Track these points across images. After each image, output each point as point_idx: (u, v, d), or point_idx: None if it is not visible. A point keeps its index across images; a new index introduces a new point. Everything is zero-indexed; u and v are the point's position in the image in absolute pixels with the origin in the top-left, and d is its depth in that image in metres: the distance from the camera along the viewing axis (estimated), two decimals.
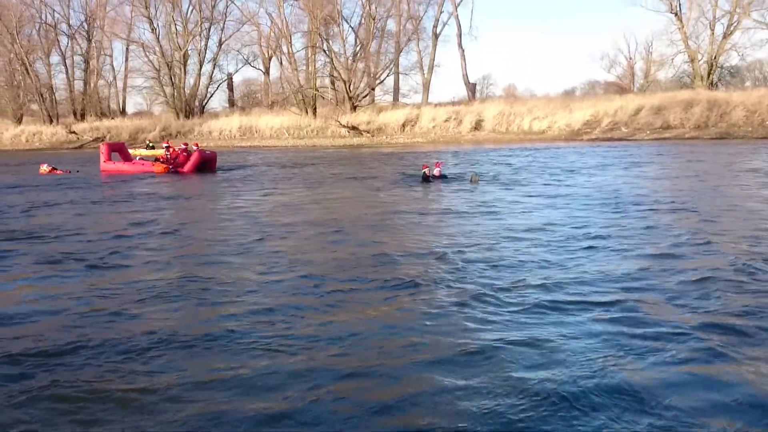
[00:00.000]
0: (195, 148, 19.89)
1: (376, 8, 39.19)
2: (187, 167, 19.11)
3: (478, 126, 35.23)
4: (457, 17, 48.24)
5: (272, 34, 42.51)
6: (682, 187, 12.10)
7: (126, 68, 50.52)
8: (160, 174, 18.88)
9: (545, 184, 13.20)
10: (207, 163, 19.58)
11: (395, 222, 8.91)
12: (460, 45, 48.92)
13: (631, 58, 53.24)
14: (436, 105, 39.93)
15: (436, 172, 14.10)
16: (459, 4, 47.99)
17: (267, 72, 54.58)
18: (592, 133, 31.64)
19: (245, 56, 52.41)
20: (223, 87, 53.26)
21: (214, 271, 6.07)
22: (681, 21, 41.04)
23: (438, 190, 12.81)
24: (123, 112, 51.97)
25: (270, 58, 54.15)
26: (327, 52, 39.53)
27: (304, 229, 8.48)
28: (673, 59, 44.21)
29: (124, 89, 52.88)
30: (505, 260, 6.25)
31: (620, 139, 29.49)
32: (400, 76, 46.91)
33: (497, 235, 7.59)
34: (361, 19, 41.95)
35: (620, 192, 11.55)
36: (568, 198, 10.95)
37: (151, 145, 34.48)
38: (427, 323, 4.45)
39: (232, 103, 55.32)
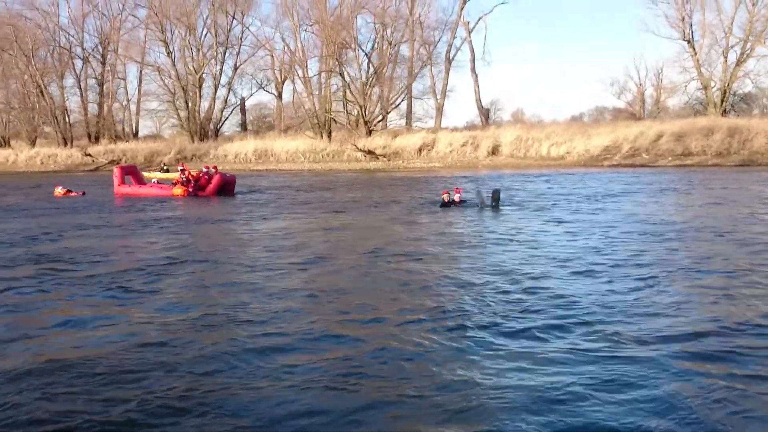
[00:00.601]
0: (214, 171, 19.88)
1: (392, 33, 39.33)
2: (209, 190, 19.06)
3: (495, 151, 35.01)
4: (470, 43, 48.54)
5: (287, 58, 42.67)
6: (717, 214, 11.86)
7: (139, 91, 50.89)
8: (180, 197, 18.74)
9: (574, 211, 12.97)
10: (227, 186, 19.54)
11: (418, 249, 8.72)
12: (473, 70, 49.12)
13: (641, 85, 53.43)
14: (452, 130, 39.78)
15: (456, 197, 14.03)
16: (472, 30, 48.44)
17: (280, 96, 54.89)
18: (613, 159, 31.36)
19: (259, 80, 52.79)
20: (236, 110, 53.65)
21: (241, 297, 6.12)
22: (693, 48, 41.07)
23: (459, 216, 12.58)
24: (135, 135, 52.15)
25: (283, 82, 54.49)
26: (343, 76, 39.56)
27: (328, 256, 8.34)
28: (686, 86, 44.22)
29: (137, 112, 53.19)
30: (541, 293, 6.00)
31: (642, 166, 29.19)
32: (413, 101, 47.16)
33: (529, 265, 7.37)
34: (374, 44, 42.28)
35: (655, 219, 11.32)
36: (602, 225, 10.71)
37: (165, 168, 34.40)
38: (452, 355, 4.38)
39: (244, 126, 55.50)
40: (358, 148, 36.47)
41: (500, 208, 13.42)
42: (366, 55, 41.13)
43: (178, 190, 19.11)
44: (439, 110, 48.83)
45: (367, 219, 12.55)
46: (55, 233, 10.98)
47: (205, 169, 19.97)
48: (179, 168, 21.94)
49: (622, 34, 77.48)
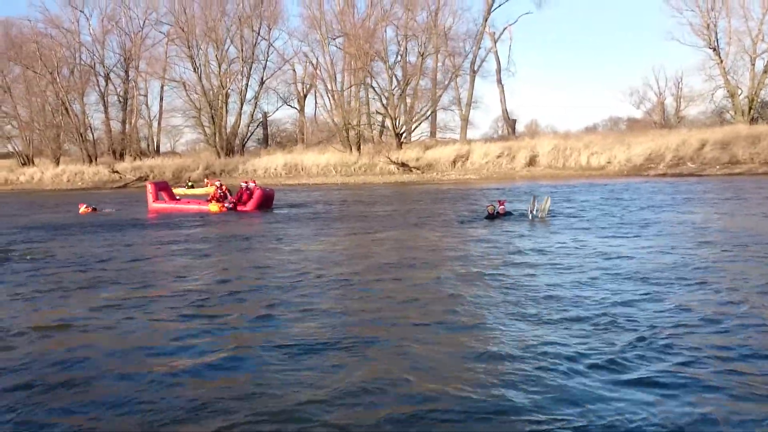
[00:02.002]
0: (253, 185, 19.71)
1: (424, 45, 38.93)
2: (250, 205, 18.84)
3: (532, 162, 34.37)
4: (496, 53, 48.11)
5: (318, 72, 42.31)
6: None
7: (161, 107, 50.67)
8: (217, 213, 18.40)
9: (630, 222, 12.47)
10: (267, 201, 19.41)
11: (468, 264, 8.43)
12: (499, 81, 48.66)
13: (661, 94, 52.89)
14: (486, 141, 39.19)
15: (500, 209, 13.77)
16: (498, 40, 48.01)
17: (302, 110, 54.61)
18: (657, 168, 30.61)
19: (282, 95, 52.54)
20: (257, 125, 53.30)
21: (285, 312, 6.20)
22: (719, 56, 40.49)
23: (509, 228, 12.16)
24: (157, 151, 51.84)
25: (305, 96, 54.23)
26: (374, 89, 39.17)
27: (376, 271, 8.14)
28: (713, 94, 43.59)
29: (159, 128, 52.92)
30: (612, 316, 5.65)
31: (690, 175, 28.42)
32: (438, 112, 46.63)
33: (596, 280, 7.03)
34: (397, 56, 41.91)
35: (722, 228, 10.91)
36: (668, 237, 10.25)
37: (191, 184, 34.00)
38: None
39: (266, 141, 55.13)
40: (391, 161, 35.90)
41: (547, 218, 13.25)
42: (389, 67, 40.73)
43: (214, 207, 18.87)
44: (465, 121, 48.41)
45: (415, 234, 12.07)
46: (120, 254, 10.59)
47: (244, 184, 19.80)
48: (215, 183, 21.92)
49: (638, 44, 77.08)
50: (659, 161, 31.24)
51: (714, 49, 40.73)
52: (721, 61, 40.39)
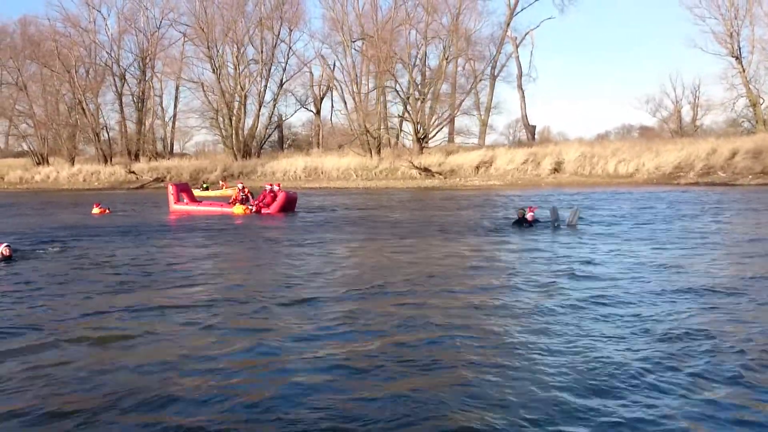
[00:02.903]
0: (277, 188, 19.69)
1: (449, 48, 38.51)
2: (274, 208, 18.81)
3: (558, 168, 33.87)
4: (517, 58, 47.71)
5: (340, 74, 41.92)
6: None
7: (175, 107, 50.38)
8: (241, 216, 18.27)
9: (685, 231, 12.06)
10: (290, 204, 19.38)
11: (505, 274, 8.09)
12: (520, 87, 48.25)
13: (678, 102, 52.44)
14: (510, 147, 38.71)
15: (529, 216, 13.38)
16: (519, 45, 47.60)
17: (318, 113, 54.27)
18: (686, 177, 30.08)
19: (299, 98, 52.24)
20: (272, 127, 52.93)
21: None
22: (741, 64, 40.02)
23: (539, 236, 11.79)
24: (171, 152, 51.51)
25: (321, 99, 53.91)
26: (398, 92, 38.75)
27: (413, 281, 7.68)
28: (734, 103, 43.11)
29: (173, 129, 52.61)
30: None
31: (723, 184, 27.88)
32: (456, 117, 46.15)
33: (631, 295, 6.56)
34: (416, 59, 41.50)
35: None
36: (718, 246, 9.85)
37: (206, 186, 33.70)
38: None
39: (281, 143, 54.77)
40: (414, 166, 35.44)
41: (578, 227, 12.94)
42: (412, 70, 40.33)
43: (239, 209, 18.80)
44: (485, 126, 47.97)
45: (436, 241, 11.65)
46: (150, 257, 10.24)
47: (268, 187, 19.79)
48: (238, 186, 21.94)
49: (652, 52, 76.53)
50: (688, 170, 30.70)
51: (736, 58, 40.33)
52: (744, 70, 40.03)
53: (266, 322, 5.92)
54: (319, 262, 9.36)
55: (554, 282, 7.37)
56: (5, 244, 9.76)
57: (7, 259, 9.52)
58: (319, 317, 6.01)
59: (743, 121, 43.36)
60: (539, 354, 4.77)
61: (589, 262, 8.73)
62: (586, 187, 28.57)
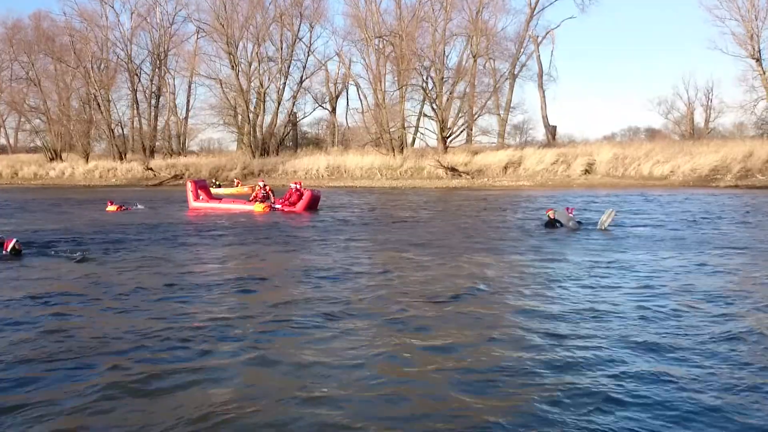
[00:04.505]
0: (298, 186, 19.72)
1: (477, 46, 37.86)
2: (300, 206, 18.78)
3: (589, 169, 33.23)
4: (538, 58, 47.08)
5: (363, 72, 41.21)
6: None
7: (188, 104, 49.61)
8: (262, 214, 18.11)
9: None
10: (314, 202, 19.40)
11: (543, 281, 7.76)
12: (540, 86, 47.61)
13: (691, 104, 52.02)
14: (539, 147, 38.04)
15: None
16: (540, 44, 46.97)
17: (333, 111, 53.65)
18: (724, 179, 29.46)
19: (315, 95, 51.61)
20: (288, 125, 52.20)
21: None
22: (762, 67, 39.52)
23: (580, 239, 11.34)
24: (183, 149, 50.73)
25: (337, 98, 53.27)
26: (425, 90, 38.07)
27: (453, 289, 7.36)
28: (755, 106, 42.58)
29: (185, 126, 51.81)
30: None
31: (762, 187, 27.26)
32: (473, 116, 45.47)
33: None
34: (443, 58, 40.78)
35: None
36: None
37: (218, 183, 33.20)
38: None
39: (296, 142, 54.05)
40: (441, 165, 34.77)
41: (609, 230, 12.49)
42: (438, 68, 39.64)
43: (259, 207, 18.69)
44: (504, 125, 47.35)
45: (486, 245, 11.15)
46: (182, 256, 9.97)
47: (294, 185, 19.83)
48: (259, 183, 21.79)
49: (664, 54, 76.17)
50: (725, 172, 30.09)
51: (757, 60, 39.85)
52: (764, 73, 39.53)
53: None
54: (365, 267, 8.90)
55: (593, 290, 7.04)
56: (15, 239, 9.85)
57: (17, 253, 9.58)
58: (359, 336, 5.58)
59: (763, 124, 43.00)
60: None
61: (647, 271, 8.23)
62: (619, 189, 27.94)
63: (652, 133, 53.33)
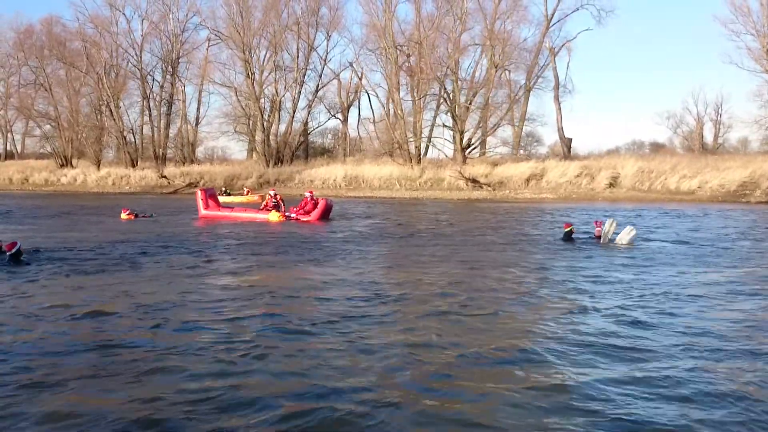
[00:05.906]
0: (310, 195, 19.75)
1: (500, 57, 37.44)
2: (315, 216, 18.73)
3: (613, 183, 32.75)
4: (554, 69, 46.74)
5: (387, 82, 40.71)
6: None
7: (198, 112, 49.14)
8: (276, 223, 17.89)
9: None
10: (327, 211, 19.35)
11: (571, 294, 7.53)
12: (556, 98, 47.25)
13: (700, 119, 51.76)
14: (560, 159, 37.56)
15: (596, 232, 12.77)
16: (557, 55, 46.63)
17: (345, 121, 53.20)
18: (753, 194, 28.97)
19: (328, 105, 51.23)
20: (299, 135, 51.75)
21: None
22: None
23: (596, 256, 10.82)
24: (194, 157, 50.19)
25: (348, 107, 52.81)
26: (446, 99, 37.64)
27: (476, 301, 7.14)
28: None
29: (195, 134, 51.28)
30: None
31: None
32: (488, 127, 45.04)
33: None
34: (466, 69, 40.43)
35: None
36: None
37: (227, 192, 32.82)
38: None
39: (307, 151, 53.55)
40: (462, 176, 34.26)
41: (633, 244, 12.09)
42: (458, 78, 39.25)
43: (274, 216, 18.47)
44: (519, 137, 46.97)
45: (494, 256, 11.00)
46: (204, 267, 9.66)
47: (308, 194, 19.87)
48: (270, 192, 21.60)
49: (674, 68, 76.05)
50: (754, 188, 29.62)
51: None
52: None
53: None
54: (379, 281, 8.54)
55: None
56: (18, 244, 9.62)
57: (18, 257, 9.35)
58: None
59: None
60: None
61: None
62: (644, 204, 27.43)
63: (655, 147, 53.04)
